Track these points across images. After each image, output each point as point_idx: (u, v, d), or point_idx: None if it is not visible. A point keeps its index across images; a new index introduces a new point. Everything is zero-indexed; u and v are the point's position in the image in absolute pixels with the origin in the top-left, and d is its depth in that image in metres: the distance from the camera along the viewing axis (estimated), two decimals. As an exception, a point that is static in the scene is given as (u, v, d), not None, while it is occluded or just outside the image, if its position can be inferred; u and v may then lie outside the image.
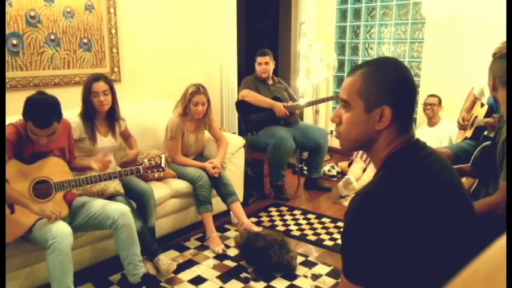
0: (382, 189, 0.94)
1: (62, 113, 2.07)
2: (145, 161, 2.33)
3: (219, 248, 2.70)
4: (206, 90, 2.93)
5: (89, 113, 2.51)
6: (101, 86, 2.46)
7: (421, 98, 4.29)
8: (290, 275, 2.41)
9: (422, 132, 3.84)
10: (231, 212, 3.14)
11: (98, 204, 2.21)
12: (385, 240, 0.89)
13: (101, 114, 2.58)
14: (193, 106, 2.89)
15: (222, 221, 3.13)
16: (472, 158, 2.08)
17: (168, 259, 2.43)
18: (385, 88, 0.99)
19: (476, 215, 1.07)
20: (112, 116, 2.61)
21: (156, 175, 2.37)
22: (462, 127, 3.09)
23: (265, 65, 3.71)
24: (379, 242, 0.89)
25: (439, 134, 3.75)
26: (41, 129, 1.96)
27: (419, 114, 4.16)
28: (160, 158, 2.34)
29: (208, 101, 2.96)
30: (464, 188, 1.11)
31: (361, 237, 0.91)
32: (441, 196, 0.97)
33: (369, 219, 0.91)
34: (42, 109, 1.97)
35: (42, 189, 2.07)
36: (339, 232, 3.02)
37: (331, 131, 4.98)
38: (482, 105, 3.05)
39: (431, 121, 3.88)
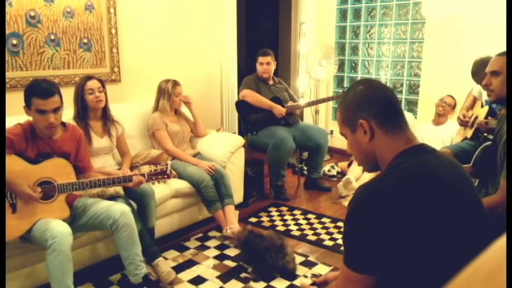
0: (384, 182, 1.00)
1: (61, 92, 2.13)
2: (152, 166, 2.34)
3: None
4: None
5: (82, 113, 2.58)
6: (94, 83, 2.57)
7: (423, 98, 4.29)
8: (290, 275, 2.41)
9: (427, 130, 3.80)
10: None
11: (98, 205, 2.20)
12: (384, 230, 0.94)
13: (95, 115, 2.63)
14: (175, 97, 3.09)
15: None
16: (473, 158, 2.08)
17: (166, 266, 2.38)
18: (353, 108, 1.11)
19: (486, 216, 1.07)
20: (106, 117, 2.67)
21: (160, 182, 2.36)
22: (463, 123, 3.08)
23: (266, 65, 3.71)
24: (378, 232, 0.94)
25: (442, 135, 3.71)
26: (46, 99, 2.01)
27: (425, 111, 4.15)
28: (166, 165, 2.31)
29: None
30: (474, 190, 1.12)
31: (361, 227, 0.96)
32: (442, 195, 0.99)
33: (369, 210, 0.96)
34: (42, 82, 2.08)
35: (45, 190, 2.06)
36: (339, 232, 3.02)
37: (331, 131, 4.98)
38: (482, 105, 3.04)
39: (439, 119, 3.79)
